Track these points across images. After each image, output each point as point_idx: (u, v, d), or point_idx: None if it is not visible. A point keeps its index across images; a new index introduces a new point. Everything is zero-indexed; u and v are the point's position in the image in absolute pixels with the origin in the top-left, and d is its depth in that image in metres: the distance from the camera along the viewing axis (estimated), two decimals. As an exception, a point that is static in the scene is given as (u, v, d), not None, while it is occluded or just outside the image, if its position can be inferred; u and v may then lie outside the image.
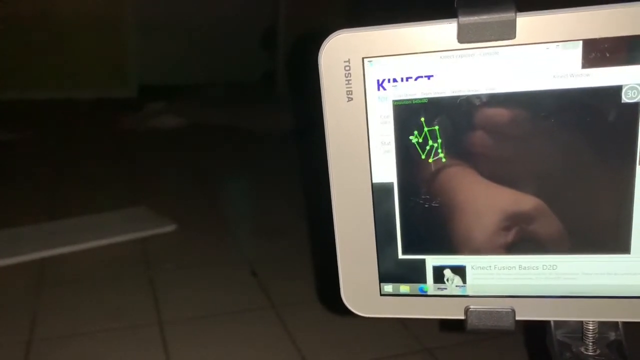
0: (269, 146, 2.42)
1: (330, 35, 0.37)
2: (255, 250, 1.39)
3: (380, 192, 0.40)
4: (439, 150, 0.38)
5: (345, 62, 0.37)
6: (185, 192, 1.84)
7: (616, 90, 0.35)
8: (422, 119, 0.38)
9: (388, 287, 0.42)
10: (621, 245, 0.38)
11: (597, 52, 0.34)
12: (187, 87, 3.37)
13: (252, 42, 3.64)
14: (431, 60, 0.37)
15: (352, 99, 0.38)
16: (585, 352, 0.42)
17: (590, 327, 0.41)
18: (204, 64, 3.62)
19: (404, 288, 0.42)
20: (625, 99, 0.35)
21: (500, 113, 0.37)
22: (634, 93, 0.35)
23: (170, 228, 1.50)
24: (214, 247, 1.41)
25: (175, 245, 1.43)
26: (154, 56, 3.53)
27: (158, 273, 1.26)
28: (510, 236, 0.39)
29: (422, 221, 0.40)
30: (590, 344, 0.42)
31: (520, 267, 0.40)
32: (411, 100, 0.37)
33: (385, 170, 0.39)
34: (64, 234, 1.44)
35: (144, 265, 1.30)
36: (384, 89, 0.38)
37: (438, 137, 0.38)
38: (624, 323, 0.42)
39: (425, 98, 0.37)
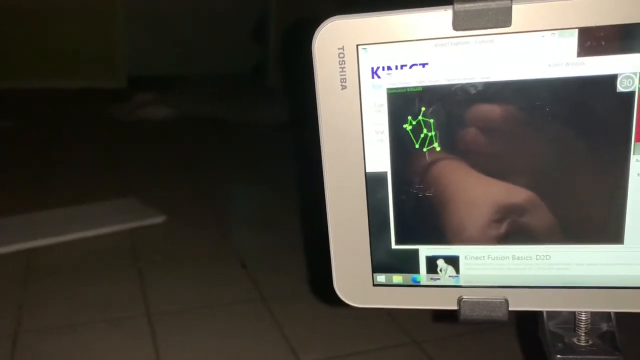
0: (259, 138, 2.41)
1: (325, 22, 0.37)
2: (245, 242, 1.39)
3: (374, 182, 0.40)
4: (433, 139, 0.38)
5: (339, 49, 0.37)
6: (174, 184, 1.82)
7: (611, 79, 0.35)
8: (417, 108, 0.37)
9: (381, 277, 0.42)
10: (614, 236, 0.38)
11: (593, 40, 0.34)
12: (176, 78, 3.34)
13: (243, 33, 3.62)
14: (426, 48, 0.36)
15: (345, 87, 0.38)
16: (578, 343, 0.42)
17: (583, 318, 0.41)
18: (194, 55, 3.60)
19: (397, 278, 0.42)
20: (620, 88, 0.35)
21: (494, 102, 0.36)
22: (629, 82, 0.34)
23: (159, 219, 1.49)
24: (203, 239, 1.40)
25: (164, 236, 1.42)
26: (143, 46, 3.51)
27: (146, 265, 1.25)
28: (502, 228, 0.39)
29: (415, 211, 0.40)
30: (583, 334, 0.42)
31: (513, 257, 0.40)
32: (405, 88, 0.37)
33: (379, 159, 0.39)
34: (51, 224, 1.43)
35: (132, 257, 1.29)
36: (378, 76, 0.37)
37: (432, 126, 0.37)
38: (616, 314, 0.42)
39: (419, 86, 0.37)
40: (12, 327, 0.99)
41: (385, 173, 0.39)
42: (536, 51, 0.35)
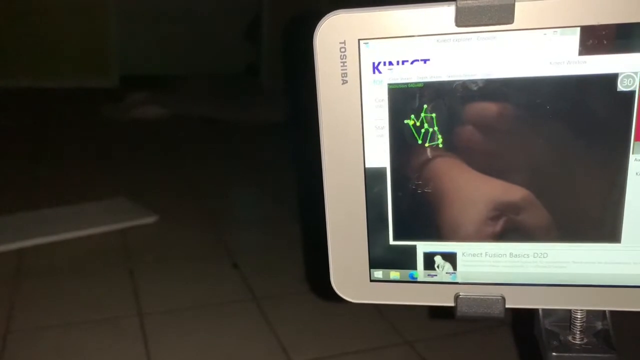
0: (252, 138, 2.41)
1: (327, 16, 0.36)
2: (237, 243, 1.38)
3: (373, 177, 0.40)
4: (434, 136, 0.38)
5: (340, 43, 0.37)
6: (166, 184, 1.82)
7: (612, 79, 0.35)
8: (417, 103, 0.37)
9: (378, 273, 0.42)
10: (612, 235, 0.38)
11: (595, 39, 0.34)
12: (169, 78, 3.33)
13: (237, 33, 3.62)
14: (428, 44, 0.36)
15: (346, 81, 0.38)
16: (573, 341, 0.42)
17: (579, 316, 0.42)
18: (187, 55, 3.59)
19: (394, 274, 0.42)
20: (620, 87, 0.35)
21: (495, 99, 0.36)
22: (630, 81, 0.35)
23: (150, 219, 1.48)
24: (194, 239, 1.40)
25: (156, 236, 1.41)
26: (136, 46, 3.50)
27: (138, 264, 1.24)
28: (498, 226, 0.39)
29: (413, 207, 0.40)
30: (578, 332, 0.42)
31: (511, 254, 0.40)
32: (407, 84, 0.37)
33: (379, 155, 0.39)
34: (43, 224, 1.42)
35: (123, 257, 1.29)
36: (380, 71, 0.37)
37: (433, 122, 0.37)
38: (611, 312, 0.42)
39: (421, 82, 0.37)
40: (3, 327, 0.98)
41: (385, 169, 0.39)
42: (538, 49, 0.35)
